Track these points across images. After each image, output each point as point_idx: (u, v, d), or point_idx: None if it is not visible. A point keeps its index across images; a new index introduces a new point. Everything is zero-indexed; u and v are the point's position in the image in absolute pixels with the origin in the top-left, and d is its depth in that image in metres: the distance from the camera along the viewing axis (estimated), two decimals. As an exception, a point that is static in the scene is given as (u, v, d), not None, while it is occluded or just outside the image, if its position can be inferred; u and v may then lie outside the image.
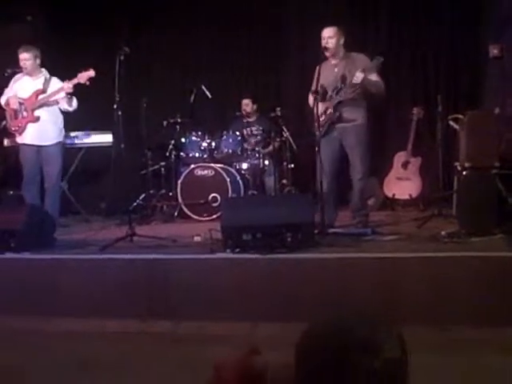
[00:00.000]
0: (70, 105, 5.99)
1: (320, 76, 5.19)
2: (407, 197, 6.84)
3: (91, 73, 5.76)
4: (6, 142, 7.02)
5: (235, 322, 3.99)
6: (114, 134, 6.97)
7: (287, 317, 3.95)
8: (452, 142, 6.42)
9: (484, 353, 3.32)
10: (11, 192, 7.17)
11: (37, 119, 5.97)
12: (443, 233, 4.62)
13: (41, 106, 5.99)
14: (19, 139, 6.09)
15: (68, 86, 5.83)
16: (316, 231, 4.67)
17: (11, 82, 6.16)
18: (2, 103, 6.13)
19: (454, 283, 3.88)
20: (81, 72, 5.76)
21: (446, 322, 3.69)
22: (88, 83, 5.76)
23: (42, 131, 6.01)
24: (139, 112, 6.98)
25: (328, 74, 5.23)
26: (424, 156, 6.91)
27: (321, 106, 5.18)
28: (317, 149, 5.14)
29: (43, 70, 6.12)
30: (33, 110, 5.98)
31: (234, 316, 4.04)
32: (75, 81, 5.79)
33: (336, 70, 5.31)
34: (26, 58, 5.95)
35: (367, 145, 5.32)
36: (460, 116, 5.85)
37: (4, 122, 6.20)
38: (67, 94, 5.90)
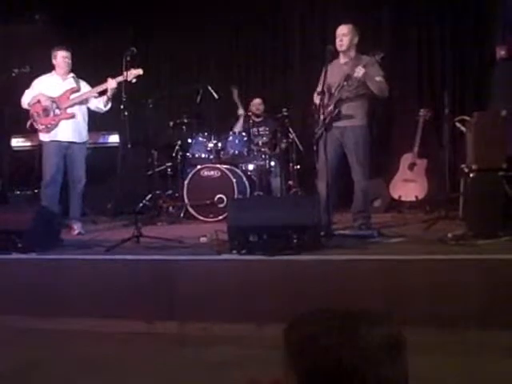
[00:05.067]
0: (106, 105, 6.04)
1: (327, 76, 5.19)
2: (413, 199, 6.83)
3: (140, 71, 5.67)
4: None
5: (241, 323, 3.99)
6: (120, 134, 6.99)
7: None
8: (458, 143, 6.41)
9: (490, 355, 3.32)
10: (18, 192, 7.19)
11: (72, 116, 5.99)
12: (449, 235, 4.61)
13: (74, 105, 6.01)
14: (46, 136, 5.99)
15: (112, 82, 5.81)
16: (322, 233, 4.67)
17: (35, 83, 6.08)
18: (26, 103, 6.05)
19: (460, 286, 3.87)
20: (128, 70, 5.59)
21: (452, 324, 3.68)
22: (134, 81, 5.67)
23: (76, 129, 6.04)
24: (146, 112, 7.00)
25: (336, 72, 5.20)
26: (430, 158, 6.89)
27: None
28: (315, 148, 5.14)
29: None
30: (66, 108, 5.99)
31: (240, 317, 4.04)
32: (120, 78, 5.70)
33: (344, 68, 5.29)
34: (68, 56, 6.02)
35: (367, 146, 5.30)
36: (467, 118, 5.84)
37: (30, 121, 6.07)
38: (102, 94, 5.92)
